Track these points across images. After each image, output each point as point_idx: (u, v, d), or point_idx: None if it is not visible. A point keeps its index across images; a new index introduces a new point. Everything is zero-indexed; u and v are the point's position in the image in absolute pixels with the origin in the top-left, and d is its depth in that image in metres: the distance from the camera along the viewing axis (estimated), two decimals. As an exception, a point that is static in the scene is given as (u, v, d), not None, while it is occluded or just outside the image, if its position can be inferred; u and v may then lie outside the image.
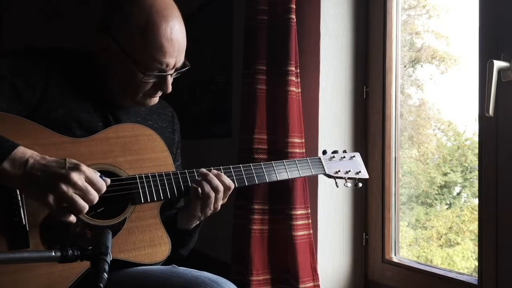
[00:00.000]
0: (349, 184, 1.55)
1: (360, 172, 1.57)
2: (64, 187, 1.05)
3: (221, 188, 1.30)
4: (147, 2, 1.25)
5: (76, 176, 1.06)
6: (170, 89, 1.31)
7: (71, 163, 1.09)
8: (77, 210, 1.07)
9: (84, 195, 1.07)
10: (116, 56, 1.27)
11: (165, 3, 1.27)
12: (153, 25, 1.23)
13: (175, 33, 1.25)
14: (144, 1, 1.25)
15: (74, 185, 1.06)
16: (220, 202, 1.33)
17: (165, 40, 1.24)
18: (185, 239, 1.41)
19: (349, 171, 1.54)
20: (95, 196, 1.09)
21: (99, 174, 1.12)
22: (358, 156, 1.60)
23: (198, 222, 1.39)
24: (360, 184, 1.58)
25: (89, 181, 1.09)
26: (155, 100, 1.37)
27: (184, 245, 1.43)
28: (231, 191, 1.34)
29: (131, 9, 1.25)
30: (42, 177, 1.06)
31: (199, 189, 1.29)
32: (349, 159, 1.57)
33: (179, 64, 1.30)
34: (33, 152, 1.09)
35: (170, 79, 1.30)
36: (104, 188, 1.11)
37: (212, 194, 1.29)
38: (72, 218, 1.10)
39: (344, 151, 1.58)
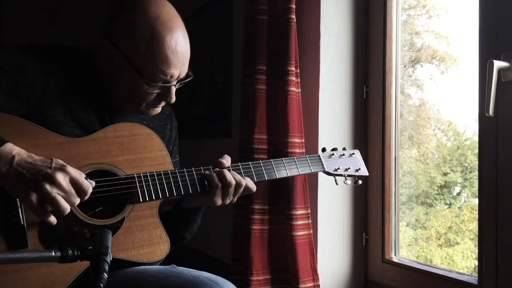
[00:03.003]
0: (349, 182, 1.54)
1: (359, 169, 1.56)
2: (48, 187, 1.05)
3: (243, 182, 1.34)
4: (151, 14, 1.24)
5: (61, 177, 1.06)
6: (174, 99, 1.32)
7: (57, 163, 1.08)
8: (58, 211, 1.07)
9: (67, 197, 1.07)
10: (120, 65, 1.27)
11: (170, 14, 1.26)
12: (158, 37, 1.23)
13: (179, 45, 1.25)
14: (149, 12, 1.24)
15: (58, 185, 1.06)
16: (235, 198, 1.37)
17: (170, 51, 1.24)
18: (189, 218, 1.41)
19: (349, 168, 1.53)
20: (77, 200, 1.09)
21: (84, 175, 1.12)
22: (357, 153, 1.59)
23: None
24: (360, 182, 1.57)
25: (74, 182, 1.09)
26: (158, 110, 1.37)
27: (187, 226, 1.42)
28: (242, 188, 1.36)
29: (136, 20, 1.24)
30: (27, 175, 1.05)
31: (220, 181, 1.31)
32: (349, 156, 1.56)
33: (183, 75, 1.31)
34: (20, 149, 1.08)
35: (174, 90, 1.31)
36: (89, 190, 1.11)
37: (233, 182, 1.32)
38: (52, 219, 1.09)
39: (344, 149, 1.57)
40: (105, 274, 0.85)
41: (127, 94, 1.30)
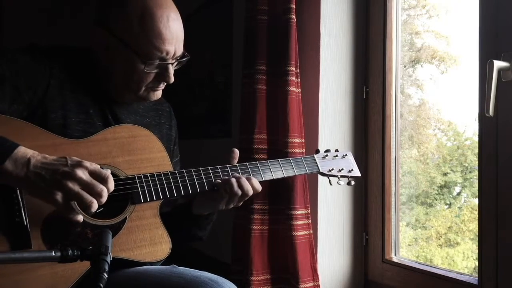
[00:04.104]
0: (342, 182, 1.57)
1: (352, 170, 1.60)
2: (70, 184, 1.06)
3: (251, 192, 1.35)
4: None
5: (80, 172, 1.07)
6: (172, 79, 1.33)
7: (72, 160, 1.09)
8: (86, 206, 1.07)
9: (91, 189, 1.08)
10: (115, 50, 1.28)
11: None
12: (150, 13, 1.25)
13: (172, 21, 1.27)
14: None
15: (79, 180, 1.06)
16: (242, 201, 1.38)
17: (163, 26, 1.25)
18: (203, 222, 1.44)
19: (342, 169, 1.57)
20: (102, 188, 1.09)
21: (98, 165, 1.12)
22: (350, 154, 1.62)
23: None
24: (353, 182, 1.60)
25: (93, 174, 1.09)
26: (159, 94, 1.37)
27: (203, 228, 1.45)
28: (248, 197, 1.38)
29: (126, 1, 1.26)
30: (47, 176, 1.06)
31: (228, 186, 1.33)
32: (342, 158, 1.59)
33: (178, 53, 1.32)
34: (34, 151, 1.08)
35: (171, 69, 1.31)
36: (110, 177, 1.11)
37: (239, 193, 1.33)
38: (79, 217, 1.11)
39: (336, 150, 1.60)
40: (105, 274, 0.85)
41: (126, 79, 1.31)
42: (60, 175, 1.06)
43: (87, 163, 1.09)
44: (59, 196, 1.06)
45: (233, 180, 1.33)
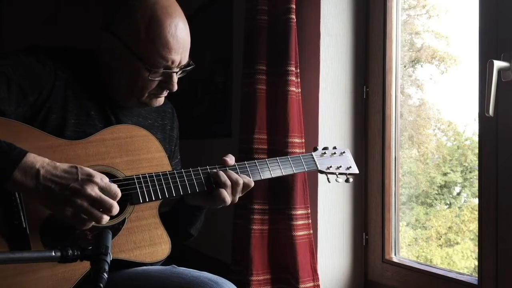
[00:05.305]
0: (340, 180, 1.56)
1: (350, 167, 1.59)
2: (79, 201, 1.06)
3: (240, 182, 1.33)
4: (150, 0, 1.25)
5: (90, 189, 1.06)
6: (176, 87, 1.32)
7: (83, 173, 1.08)
8: (96, 220, 1.08)
9: (100, 206, 1.08)
10: (121, 55, 1.27)
11: (169, 1, 1.28)
12: (158, 21, 1.24)
13: (179, 30, 1.26)
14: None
15: (88, 198, 1.06)
16: (236, 197, 1.36)
17: (170, 36, 1.24)
18: (195, 215, 1.41)
19: (340, 166, 1.56)
20: (111, 204, 1.09)
21: (108, 179, 1.12)
22: (348, 152, 1.62)
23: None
24: (351, 179, 1.59)
25: (103, 190, 1.09)
26: (161, 100, 1.37)
27: (193, 223, 1.43)
28: (240, 187, 1.35)
29: (134, 6, 1.25)
30: (56, 190, 1.05)
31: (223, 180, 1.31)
32: (339, 155, 1.59)
33: (184, 62, 1.31)
34: (43, 160, 1.07)
35: (175, 77, 1.31)
36: (119, 194, 1.11)
37: (231, 184, 1.31)
38: (89, 227, 1.11)
39: (334, 148, 1.60)
40: (105, 274, 0.85)
41: (130, 85, 1.30)
42: (69, 191, 1.05)
43: (98, 178, 1.08)
44: (68, 212, 1.06)
45: (220, 172, 1.32)
